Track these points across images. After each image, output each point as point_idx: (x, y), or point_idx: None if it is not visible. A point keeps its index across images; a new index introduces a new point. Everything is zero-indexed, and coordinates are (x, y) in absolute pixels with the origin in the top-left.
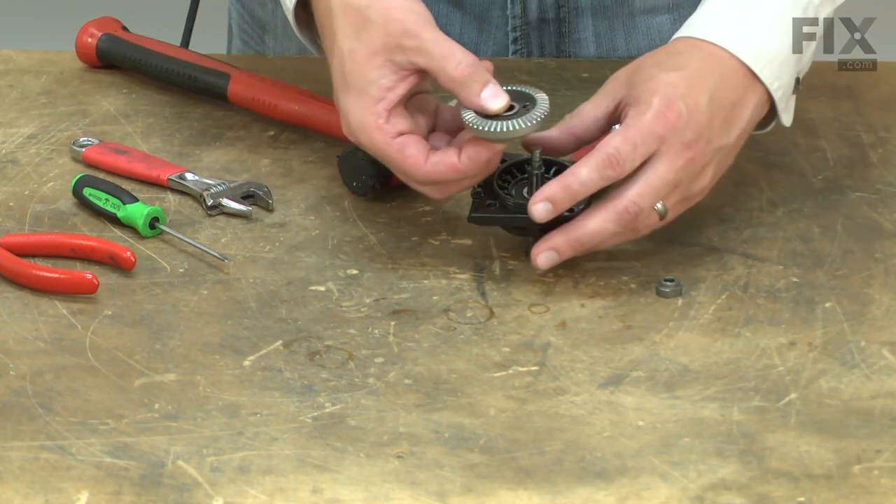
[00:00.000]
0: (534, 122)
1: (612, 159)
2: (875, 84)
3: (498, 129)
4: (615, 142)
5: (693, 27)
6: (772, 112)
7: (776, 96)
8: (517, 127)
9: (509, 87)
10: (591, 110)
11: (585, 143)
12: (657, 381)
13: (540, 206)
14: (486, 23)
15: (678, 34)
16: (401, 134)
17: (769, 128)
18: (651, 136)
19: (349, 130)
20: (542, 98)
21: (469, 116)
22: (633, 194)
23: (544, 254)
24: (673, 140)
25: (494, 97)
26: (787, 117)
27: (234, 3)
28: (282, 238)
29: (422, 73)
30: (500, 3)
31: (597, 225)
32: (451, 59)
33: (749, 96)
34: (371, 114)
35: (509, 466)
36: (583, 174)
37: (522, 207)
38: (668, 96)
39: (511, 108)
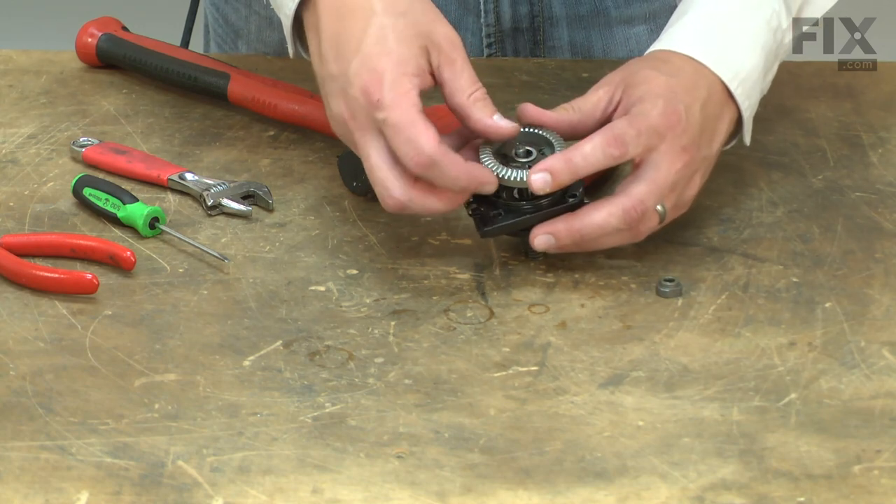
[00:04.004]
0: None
1: (618, 139)
2: (875, 84)
3: (514, 178)
4: (621, 124)
5: (673, 41)
6: (735, 131)
7: (745, 115)
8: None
9: (528, 129)
10: (589, 110)
11: (579, 135)
12: (657, 381)
13: (539, 176)
14: (461, 30)
15: (658, 46)
16: None
17: (730, 145)
18: (654, 130)
19: (378, 88)
20: (561, 143)
21: (489, 161)
22: (640, 192)
23: (542, 236)
24: (672, 141)
25: (503, 120)
26: (748, 136)
27: (209, 7)
28: (282, 238)
29: (429, 85)
30: (474, 11)
31: (601, 218)
32: (475, 83)
33: (725, 113)
34: (408, 80)
35: (509, 466)
36: (586, 149)
37: (524, 210)
38: (669, 99)
39: (528, 153)
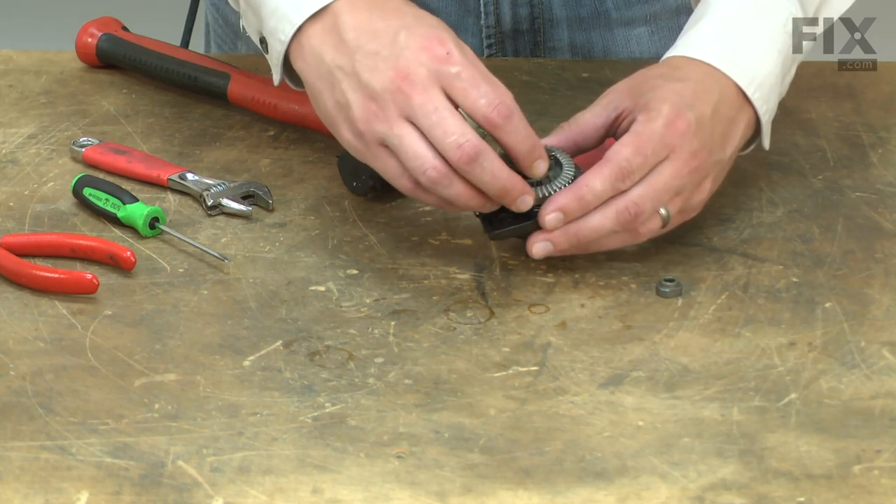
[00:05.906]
0: (559, 189)
1: (625, 172)
2: (875, 84)
3: None
4: (626, 153)
5: (687, 47)
6: (754, 135)
7: (763, 119)
8: (541, 195)
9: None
10: (590, 119)
11: (583, 151)
12: (657, 381)
13: (552, 216)
14: (461, 31)
15: (672, 52)
16: None
17: (749, 150)
18: (661, 145)
19: (442, 44)
20: (567, 159)
21: None
22: (635, 195)
23: (540, 243)
24: (681, 148)
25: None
26: (767, 140)
27: (209, 7)
28: (282, 238)
29: None
30: (474, 12)
31: (596, 221)
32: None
33: (741, 116)
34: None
35: (509, 466)
36: (597, 186)
37: (532, 213)
38: (676, 105)
39: None
